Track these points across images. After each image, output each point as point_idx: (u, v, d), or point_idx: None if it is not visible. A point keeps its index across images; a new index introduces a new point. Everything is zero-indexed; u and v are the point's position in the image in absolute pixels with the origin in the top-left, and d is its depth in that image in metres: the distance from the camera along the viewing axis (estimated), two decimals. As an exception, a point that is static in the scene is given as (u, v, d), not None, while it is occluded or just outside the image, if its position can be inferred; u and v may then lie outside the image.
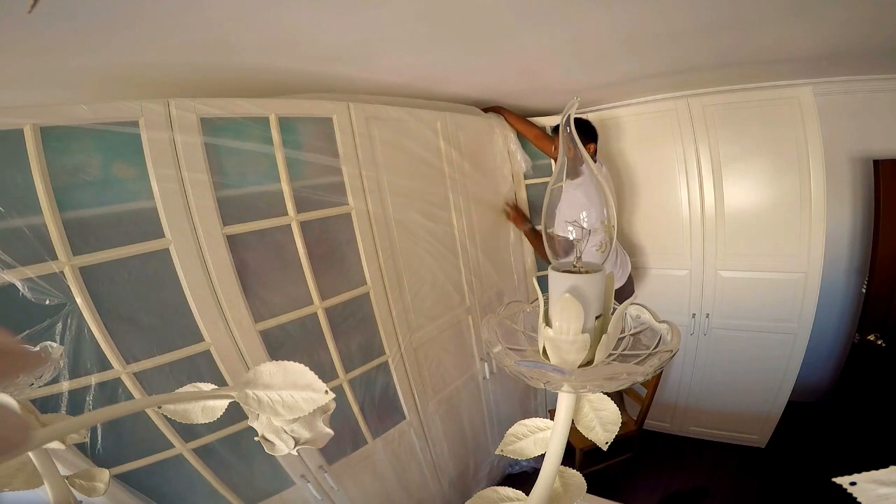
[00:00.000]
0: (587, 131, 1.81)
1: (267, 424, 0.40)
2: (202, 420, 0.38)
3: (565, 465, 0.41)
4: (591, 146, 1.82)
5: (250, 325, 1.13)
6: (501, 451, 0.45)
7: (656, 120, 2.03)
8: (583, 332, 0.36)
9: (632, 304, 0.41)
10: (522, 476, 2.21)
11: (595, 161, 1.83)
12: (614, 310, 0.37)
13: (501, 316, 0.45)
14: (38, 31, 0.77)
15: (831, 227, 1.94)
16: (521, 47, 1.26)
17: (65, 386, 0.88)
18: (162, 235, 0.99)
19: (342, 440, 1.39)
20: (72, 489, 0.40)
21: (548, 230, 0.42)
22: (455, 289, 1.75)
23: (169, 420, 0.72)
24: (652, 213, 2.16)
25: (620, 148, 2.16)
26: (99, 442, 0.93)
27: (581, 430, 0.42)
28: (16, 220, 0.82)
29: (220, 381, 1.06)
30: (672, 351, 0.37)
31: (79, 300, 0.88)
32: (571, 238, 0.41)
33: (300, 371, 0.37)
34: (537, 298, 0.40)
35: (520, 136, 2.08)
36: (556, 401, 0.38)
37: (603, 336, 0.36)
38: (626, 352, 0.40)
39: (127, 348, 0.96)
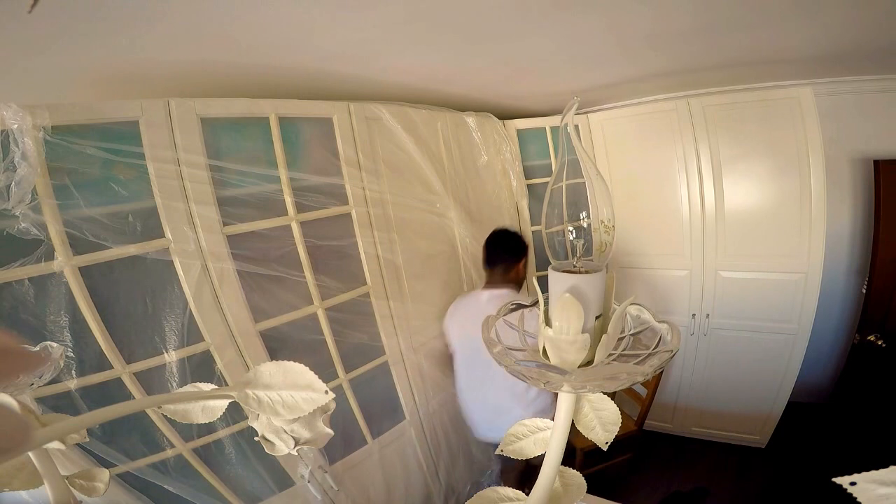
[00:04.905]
0: (513, 248, 1.52)
1: (267, 424, 0.40)
2: (202, 420, 0.38)
3: (565, 465, 0.41)
4: (519, 263, 1.52)
5: (250, 325, 1.13)
6: (501, 451, 0.45)
7: (656, 120, 2.03)
8: (583, 332, 0.35)
9: (632, 303, 0.41)
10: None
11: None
12: (614, 310, 0.37)
13: (501, 316, 0.45)
14: (37, 31, 0.77)
15: (831, 228, 1.93)
16: (521, 48, 1.26)
17: (65, 386, 0.88)
18: (162, 235, 0.99)
19: (342, 440, 1.39)
20: (72, 489, 0.40)
21: (548, 230, 0.42)
22: (455, 289, 1.75)
23: (169, 420, 0.71)
24: (652, 214, 2.16)
25: (620, 148, 2.16)
26: (99, 442, 0.93)
27: (581, 430, 0.42)
28: (16, 220, 0.82)
29: (220, 381, 1.06)
30: (672, 351, 0.37)
31: (79, 300, 0.88)
32: (572, 238, 0.41)
33: (300, 371, 0.37)
34: (537, 298, 0.40)
35: (519, 136, 2.08)
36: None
37: (603, 336, 0.36)
38: (626, 352, 0.40)
39: (127, 348, 0.96)
